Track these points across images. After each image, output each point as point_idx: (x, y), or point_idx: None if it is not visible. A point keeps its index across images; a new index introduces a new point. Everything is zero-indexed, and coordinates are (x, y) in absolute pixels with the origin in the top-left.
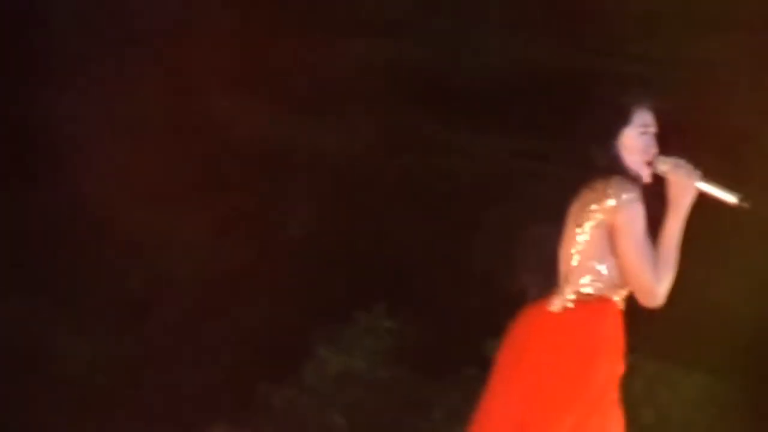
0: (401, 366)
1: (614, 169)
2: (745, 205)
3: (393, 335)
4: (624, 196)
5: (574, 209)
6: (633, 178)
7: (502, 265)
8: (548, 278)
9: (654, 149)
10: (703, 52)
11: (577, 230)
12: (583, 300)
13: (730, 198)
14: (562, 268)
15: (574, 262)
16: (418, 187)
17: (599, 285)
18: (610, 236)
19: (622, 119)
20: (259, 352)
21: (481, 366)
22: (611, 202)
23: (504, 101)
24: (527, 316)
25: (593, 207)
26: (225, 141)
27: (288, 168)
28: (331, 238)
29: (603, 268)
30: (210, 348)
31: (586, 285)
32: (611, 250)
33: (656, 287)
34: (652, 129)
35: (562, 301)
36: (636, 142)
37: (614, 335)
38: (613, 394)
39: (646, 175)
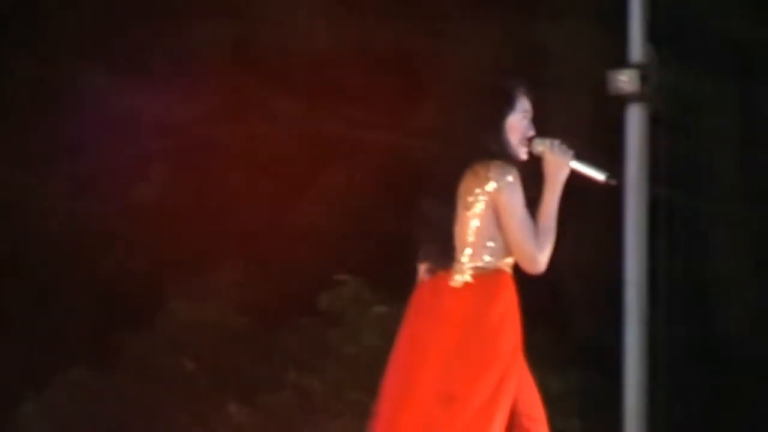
0: (245, 316)
1: (492, 151)
2: (612, 182)
3: (238, 288)
4: (504, 178)
5: (461, 192)
6: (512, 160)
7: (334, 226)
8: (442, 251)
9: (532, 132)
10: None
11: (468, 213)
12: (480, 274)
13: (599, 175)
14: (458, 245)
15: (470, 239)
16: (259, 151)
17: (493, 259)
18: (495, 214)
19: (508, 105)
20: (117, 303)
21: (314, 316)
22: (493, 185)
23: (334, 76)
24: (428, 291)
25: (478, 190)
26: (85, 108)
27: (141, 134)
28: (181, 198)
29: (494, 243)
30: (71, 299)
31: (482, 260)
32: (498, 226)
33: (538, 255)
34: (531, 113)
35: (462, 276)
36: (519, 125)
37: (513, 300)
38: (521, 354)
39: (523, 155)
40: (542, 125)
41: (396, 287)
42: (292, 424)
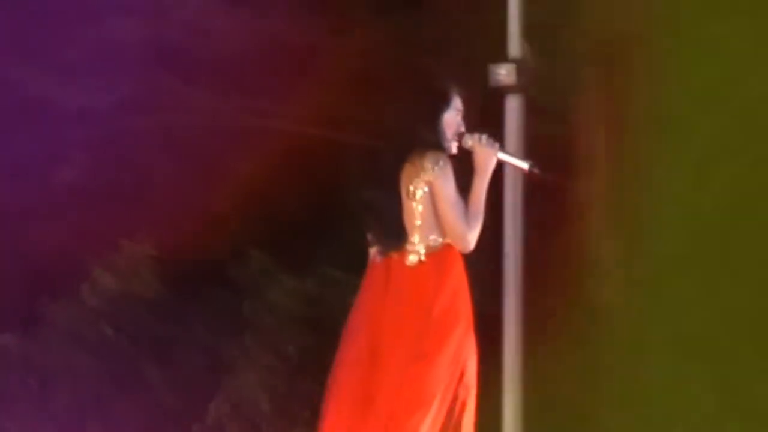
0: (164, 286)
1: (429, 143)
2: (535, 170)
3: (155, 261)
4: (437, 166)
5: (403, 181)
6: (446, 150)
7: (240, 205)
8: (394, 236)
9: (463, 128)
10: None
11: (412, 200)
12: (432, 252)
13: (522, 164)
14: (408, 229)
15: (417, 223)
16: (171, 138)
17: (440, 237)
18: (434, 197)
19: (444, 103)
20: (43, 275)
21: (225, 286)
22: (429, 172)
23: (241, 69)
24: (382, 271)
25: (417, 179)
26: (12, 98)
27: (63, 121)
28: (100, 181)
29: (438, 224)
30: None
31: (431, 239)
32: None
33: (468, 234)
34: (462, 111)
35: (416, 256)
36: (453, 122)
37: (462, 272)
38: (472, 323)
39: (454, 149)
40: None
41: (297, 259)
42: (204, 384)
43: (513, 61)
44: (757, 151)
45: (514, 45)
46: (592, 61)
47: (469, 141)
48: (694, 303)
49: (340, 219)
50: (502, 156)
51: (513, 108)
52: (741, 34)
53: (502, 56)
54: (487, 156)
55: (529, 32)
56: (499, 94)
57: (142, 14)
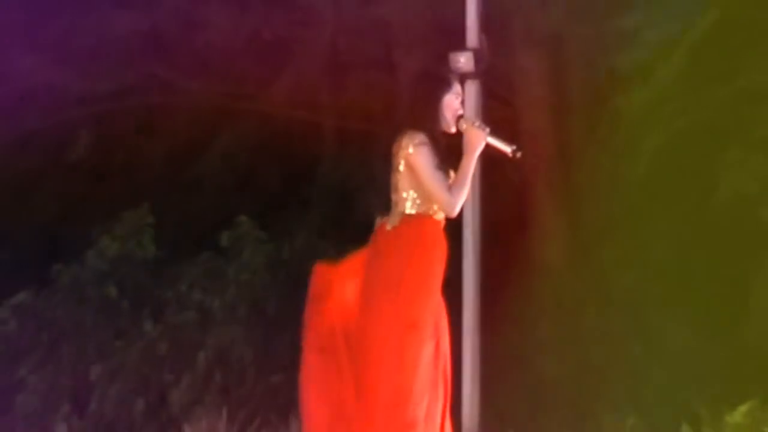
0: (159, 250)
1: (425, 124)
2: (518, 154)
3: (153, 227)
4: (413, 143)
5: (393, 157)
6: (442, 131)
7: (227, 177)
8: (385, 204)
9: (461, 111)
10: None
11: (396, 173)
12: (406, 219)
13: (507, 148)
14: (392, 197)
15: (397, 192)
16: (159, 117)
17: (417, 206)
18: (412, 171)
19: (446, 87)
20: (53, 241)
21: (215, 250)
22: (408, 149)
23: (218, 57)
24: (374, 235)
25: (399, 155)
26: (24, 88)
27: (69, 106)
28: (102, 158)
29: (417, 194)
30: (17, 238)
31: (408, 207)
32: (416, 181)
33: (451, 200)
34: (461, 96)
35: (393, 221)
36: (453, 105)
37: (435, 238)
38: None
39: (452, 129)
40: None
41: (279, 226)
42: (195, 336)
43: (471, 50)
44: (673, 127)
45: (473, 36)
46: (536, 52)
47: (464, 124)
48: (623, 262)
49: (319, 193)
50: (491, 140)
51: (471, 93)
52: (654, 24)
53: (462, 45)
54: (478, 138)
55: (486, 23)
56: (459, 80)
57: (139, 10)
